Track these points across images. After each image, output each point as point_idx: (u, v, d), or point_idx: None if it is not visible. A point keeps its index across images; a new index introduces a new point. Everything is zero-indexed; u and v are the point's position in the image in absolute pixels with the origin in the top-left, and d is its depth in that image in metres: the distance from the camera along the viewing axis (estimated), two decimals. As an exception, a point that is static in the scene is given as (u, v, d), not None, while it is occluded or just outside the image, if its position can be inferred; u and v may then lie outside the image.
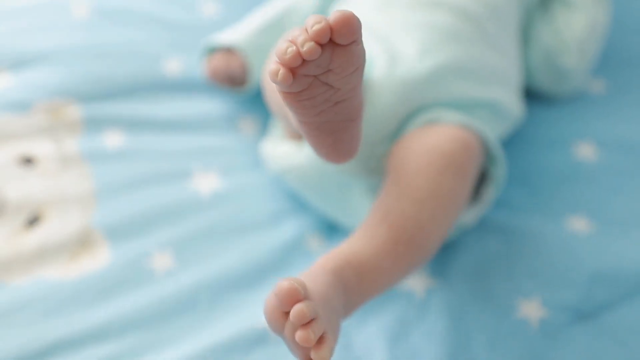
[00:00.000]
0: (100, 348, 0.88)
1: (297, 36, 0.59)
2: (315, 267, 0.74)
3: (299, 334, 0.61)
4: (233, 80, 1.09)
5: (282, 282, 0.62)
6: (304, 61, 0.59)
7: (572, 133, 1.08)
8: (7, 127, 1.04)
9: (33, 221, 0.97)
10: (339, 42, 0.59)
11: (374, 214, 0.82)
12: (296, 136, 0.96)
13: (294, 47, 0.59)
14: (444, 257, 0.96)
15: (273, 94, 0.86)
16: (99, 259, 0.95)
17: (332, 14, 0.58)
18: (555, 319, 0.89)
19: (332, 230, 0.99)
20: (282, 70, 0.59)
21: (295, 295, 0.62)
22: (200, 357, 0.87)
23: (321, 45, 0.59)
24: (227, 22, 1.17)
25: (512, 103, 0.99)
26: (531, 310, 0.90)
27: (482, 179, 0.94)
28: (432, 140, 0.86)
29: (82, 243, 0.96)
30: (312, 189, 0.96)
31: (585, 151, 1.05)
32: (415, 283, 0.93)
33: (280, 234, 0.98)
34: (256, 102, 1.09)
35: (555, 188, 1.02)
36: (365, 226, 0.81)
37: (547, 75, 1.11)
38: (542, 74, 1.11)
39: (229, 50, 1.07)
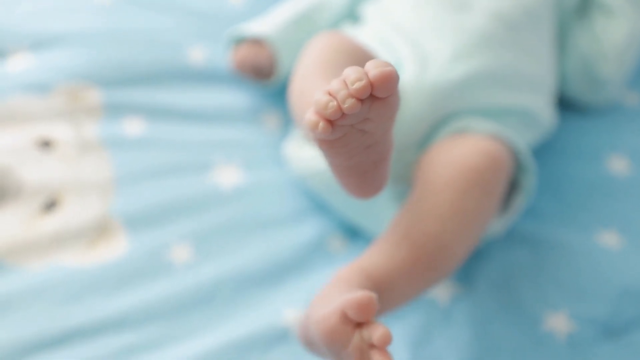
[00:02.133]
0: (118, 337, 0.86)
1: (338, 90, 0.59)
2: (338, 280, 0.72)
3: (379, 357, 0.61)
4: (260, 72, 1.06)
5: (359, 294, 0.61)
6: (343, 114, 0.59)
7: (604, 145, 1.06)
8: (27, 109, 1.01)
9: (50, 206, 0.95)
10: (378, 96, 0.59)
11: (395, 229, 0.80)
12: None
13: (335, 103, 0.59)
14: (470, 265, 0.94)
15: (299, 104, 0.82)
16: (117, 248, 0.93)
17: (372, 67, 0.58)
18: (582, 333, 0.88)
19: (354, 232, 0.97)
20: (322, 123, 0.60)
21: (373, 309, 0.61)
22: (218, 353, 0.85)
23: (361, 100, 0.59)
24: (253, 12, 1.15)
25: (545, 111, 0.97)
26: (558, 323, 0.89)
27: (511, 188, 0.92)
28: (460, 153, 0.84)
29: (100, 231, 0.94)
30: (336, 194, 0.94)
31: (618, 164, 1.04)
32: (440, 290, 0.92)
33: (302, 233, 0.96)
34: (281, 97, 1.07)
35: (585, 200, 1.00)
36: (386, 241, 0.79)
37: (583, 84, 1.09)
38: (577, 82, 1.09)
39: (257, 42, 1.05)
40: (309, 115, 0.60)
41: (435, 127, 0.90)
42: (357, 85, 0.58)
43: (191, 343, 0.86)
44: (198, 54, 1.11)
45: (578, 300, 0.90)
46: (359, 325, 0.63)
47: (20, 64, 1.05)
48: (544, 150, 1.04)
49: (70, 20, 1.11)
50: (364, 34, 0.97)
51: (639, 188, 1.02)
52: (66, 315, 0.87)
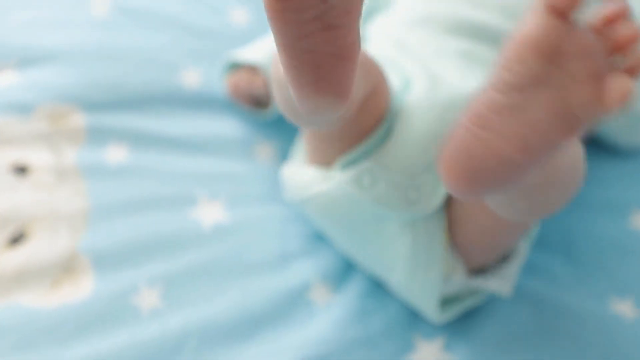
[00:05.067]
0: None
1: None
2: None
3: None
4: (255, 101, 0.99)
5: None
6: None
7: (632, 198, 0.95)
8: (4, 131, 0.96)
9: (17, 239, 0.89)
10: None
11: None
12: (320, 160, 0.86)
13: None
14: (464, 323, 0.85)
15: (280, 89, 0.71)
16: (82, 289, 0.86)
17: None
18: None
19: (342, 280, 0.89)
20: None
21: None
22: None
23: None
24: (257, 32, 1.07)
25: None
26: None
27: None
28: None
29: (66, 269, 0.87)
30: (338, 221, 0.84)
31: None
32: (429, 351, 0.83)
33: (283, 281, 0.88)
34: (277, 127, 1.00)
35: (602, 261, 0.90)
36: None
37: (616, 120, 0.98)
38: (610, 119, 0.99)
39: (252, 68, 0.98)
40: None
41: None
42: None
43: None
44: (193, 77, 1.04)
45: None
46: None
47: (3, 82, 0.99)
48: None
49: (63, 35, 1.05)
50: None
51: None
52: (15, 363, 0.81)
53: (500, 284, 0.83)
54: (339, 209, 0.82)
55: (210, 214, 0.93)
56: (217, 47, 1.06)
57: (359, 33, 0.56)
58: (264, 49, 0.97)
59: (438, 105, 0.80)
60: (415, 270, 0.81)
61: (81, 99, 0.99)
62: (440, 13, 0.90)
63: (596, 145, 1.01)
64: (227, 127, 1.01)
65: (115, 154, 0.96)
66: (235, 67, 1.00)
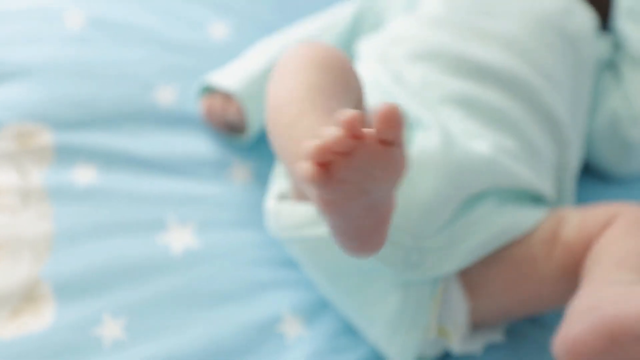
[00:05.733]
0: None
1: (336, 133, 0.51)
2: None
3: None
4: (229, 126, 0.95)
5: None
6: (341, 155, 0.51)
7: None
8: (-32, 150, 0.92)
9: (-23, 264, 0.85)
10: (384, 138, 0.52)
11: None
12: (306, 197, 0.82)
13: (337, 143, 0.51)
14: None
15: (282, 144, 0.69)
16: (42, 319, 0.82)
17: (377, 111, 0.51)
18: None
19: (314, 313, 0.85)
20: (319, 172, 0.51)
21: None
22: None
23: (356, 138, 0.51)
24: (236, 46, 1.04)
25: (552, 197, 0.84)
26: None
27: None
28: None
29: (26, 297, 0.84)
30: (324, 267, 0.80)
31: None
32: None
33: (254, 311, 0.84)
34: (254, 149, 0.96)
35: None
36: None
37: (609, 147, 0.96)
38: (603, 144, 0.95)
39: (227, 94, 0.94)
40: (306, 165, 0.51)
41: (459, 213, 0.77)
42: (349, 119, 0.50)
43: None
44: (168, 94, 1.00)
45: None
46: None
47: (-30, 100, 0.96)
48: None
49: (35, 50, 1.01)
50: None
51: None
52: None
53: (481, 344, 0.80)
54: (329, 257, 0.78)
55: (180, 239, 0.89)
56: (194, 63, 1.03)
57: (394, 201, 0.59)
58: (239, 74, 0.94)
59: (453, 166, 0.75)
60: (397, 331, 0.77)
61: (50, 117, 0.95)
62: (445, 49, 0.85)
63: (587, 172, 0.98)
64: (202, 147, 0.97)
65: (84, 175, 0.92)
66: (210, 90, 0.96)
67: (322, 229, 0.76)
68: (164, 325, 0.82)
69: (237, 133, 0.96)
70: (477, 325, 0.80)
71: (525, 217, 0.78)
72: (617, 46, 1.00)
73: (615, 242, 0.73)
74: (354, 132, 0.51)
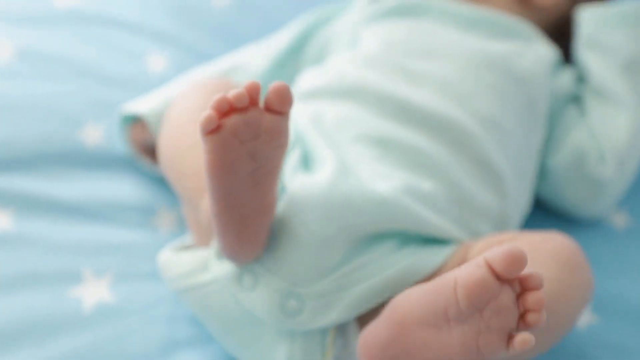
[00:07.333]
0: None
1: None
2: None
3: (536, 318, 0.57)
4: (152, 151, 0.90)
5: (509, 247, 0.57)
6: (232, 108, 0.59)
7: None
8: None
9: None
10: (272, 108, 0.60)
11: None
12: (201, 237, 0.76)
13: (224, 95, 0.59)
14: None
15: (174, 162, 0.78)
16: (-63, 382, 0.77)
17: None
18: None
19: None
20: (212, 113, 0.59)
21: (523, 263, 0.56)
22: None
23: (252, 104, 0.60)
24: (173, 79, 0.98)
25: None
26: None
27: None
28: None
29: None
30: (218, 318, 0.74)
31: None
32: None
33: (165, 374, 0.78)
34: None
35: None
36: None
37: (574, 185, 0.89)
38: (566, 183, 0.88)
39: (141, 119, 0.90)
40: (207, 112, 0.59)
41: (351, 256, 0.70)
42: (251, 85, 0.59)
43: None
44: (96, 132, 0.94)
45: None
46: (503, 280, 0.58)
47: None
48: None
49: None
50: None
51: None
52: None
53: None
54: (220, 305, 0.72)
55: (94, 292, 0.83)
56: (127, 97, 0.97)
57: (276, 196, 0.67)
58: (153, 99, 0.90)
59: (338, 204, 0.69)
60: None
61: (-33, 158, 0.90)
62: (370, 87, 0.81)
63: (549, 215, 0.92)
64: (128, 191, 0.91)
65: (-1, 221, 0.86)
66: (133, 119, 0.91)
67: (209, 274, 0.72)
68: (66, 390, 0.76)
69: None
70: None
71: (431, 256, 0.71)
72: (581, 78, 0.92)
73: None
74: (251, 95, 0.59)
